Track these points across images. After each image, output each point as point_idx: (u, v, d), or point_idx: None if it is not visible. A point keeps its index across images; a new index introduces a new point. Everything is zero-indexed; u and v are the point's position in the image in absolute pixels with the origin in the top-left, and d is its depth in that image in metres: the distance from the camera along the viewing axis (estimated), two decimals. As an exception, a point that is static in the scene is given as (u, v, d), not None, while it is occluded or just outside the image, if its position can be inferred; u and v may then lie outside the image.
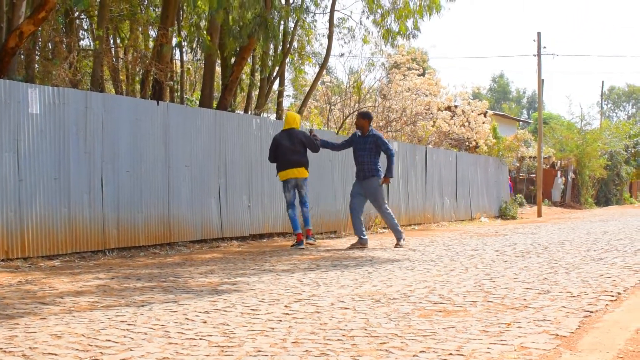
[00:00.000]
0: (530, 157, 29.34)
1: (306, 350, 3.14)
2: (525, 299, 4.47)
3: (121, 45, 12.90)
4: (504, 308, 4.16)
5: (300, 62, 15.44)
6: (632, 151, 35.88)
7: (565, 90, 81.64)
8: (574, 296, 4.57)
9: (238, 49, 11.44)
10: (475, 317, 3.89)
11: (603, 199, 32.95)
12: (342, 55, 18.81)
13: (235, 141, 10.13)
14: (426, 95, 19.62)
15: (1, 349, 3.20)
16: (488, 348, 3.14)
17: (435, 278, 5.61)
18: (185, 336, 3.45)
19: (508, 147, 22.88)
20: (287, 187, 9.01)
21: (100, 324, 3.76)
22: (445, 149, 19.00)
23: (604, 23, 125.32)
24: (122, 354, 3.10)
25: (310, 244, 9.02)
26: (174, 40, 11.98)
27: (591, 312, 4.01)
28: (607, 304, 4.28)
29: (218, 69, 13.38)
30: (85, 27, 12.51)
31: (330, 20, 14.17)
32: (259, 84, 13.76)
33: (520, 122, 39.81)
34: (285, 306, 4.30)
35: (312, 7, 14.76)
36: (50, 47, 10.30)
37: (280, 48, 13.49)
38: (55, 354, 3.11)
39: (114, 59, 11.48)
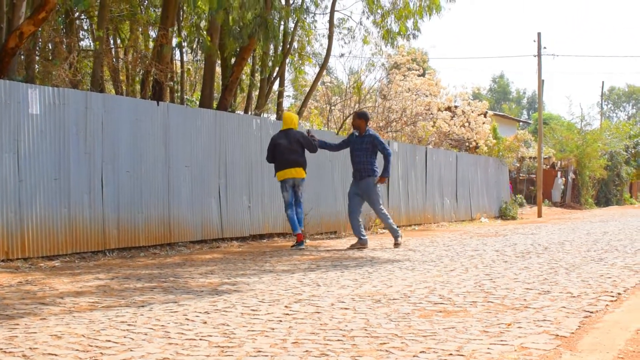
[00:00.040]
0: (530, 158, 29.34)
1: (306, 351, 3.14)
2: (525, 300, 4.47)
3: (121, 45, 12.90)
4: (504, 308, 4.16)
5: (300, 62, 15.45)
6: (632, 152, 35.89)
7: (566, 90, 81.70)
8: (574, 296, 4.57)
9: (238, 50, 11.45)
10: (475, 317, 3.89)
11: (603, 200, 32.95)
12: (342, 55, 18.77)
13: (235, 141, 10.13)
14: (426, 96, 19.63)
15: (1, 349, 3.20)
16: (488, 348, 3.14)
17: (435, 278, 5.61)
18: (185, 336, 3.45)
19: (508, 148, 22.88)
20: (284, 187, 9.02)
21: (100, 325, 3.76)
22: (445, 149, 19.00)
23: (604, 23, 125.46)
24: (122, 355, 3.10)
25: (299, 247, 8.97)
26: (174, 41, 11.99)
27: (591, 312, 4.01)
28: (607, 305, 4.28)
29: (218, 70, 13.38)
30: (86, 28, 12.51)
31: (331, 21, 14.17)
32: (259, 84, 13.76)
33: (521, 123, 39.82)
34: (286, 306, 4.30)
35: (312, 8, 14.77)
36: (50, 47, 10.29)
37: (280, 48, 13.49)
38: (56, 355, 3.11)
39: (114, 60, 11.48)
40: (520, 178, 29.58)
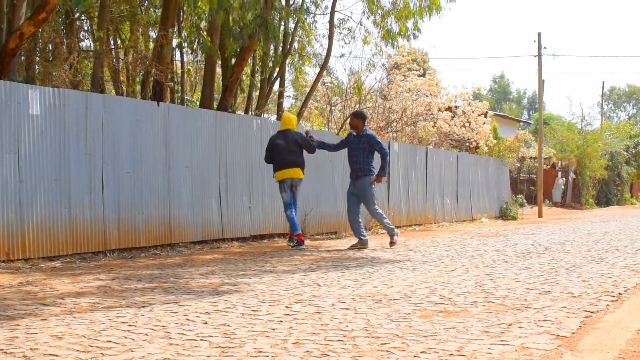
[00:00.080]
0: (530, 158, 29.34)
1: (307, 351, 3.14)
2: (526, 300, 4.47)
3: (121, 46, 12.90)
4: (504, 308, 4.16)
5: (300, 62, 15.43)
6: (633, 151, 35.87)
7: (566, 90, 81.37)
8: (574, 296, 4.57)
9: (238, 50, 11.45)
10: (476, 317, 3.89)
11: (604, 200, 32.94)
12: (343, 55, 18.81)
13: (235, 142, 10.13)
14: (426, 96, 19.62)
15: (2, 350, 3.20)
16: (489, 348, 3.14)
17: (436, 278, 5.61)
18: (186, 337, 3.45)
19: (509, 148, 22.87)
20: (283, 187, 9.04)
21: (101, 325, 3.76)
22: (445, 149, 19.00)
23: (604, 23, 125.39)
24: (123, 355, 3.10)
25: (292, 246, 8.99)
26: (175, 41, 11.99)
27: (592, 312, 4.00)
28: (608, 305, 4.27)
29: (218, 70, 13.38)
30: (86, 28, 12.52)
31: (331, 21, 14.17)
32: (259, 84, 13.75)
33: (521, 123, 39.79)
34: (286, 307, 4.30)
35: (313, 8, 14.76)
36: (50, 48, 10.30)
37: (280, 49, 13.49)
38: (56, 355, 3.11)
39: (114, 60, 11.48)
40: (521, 178, 29.58)
